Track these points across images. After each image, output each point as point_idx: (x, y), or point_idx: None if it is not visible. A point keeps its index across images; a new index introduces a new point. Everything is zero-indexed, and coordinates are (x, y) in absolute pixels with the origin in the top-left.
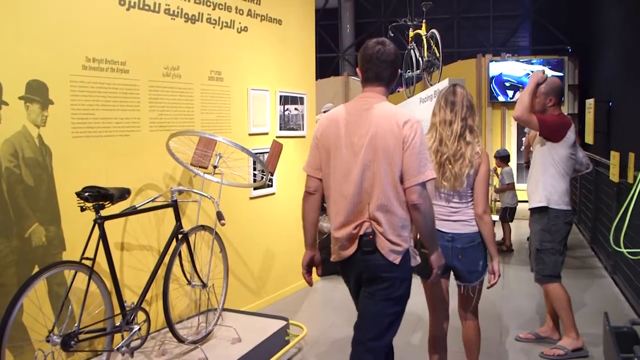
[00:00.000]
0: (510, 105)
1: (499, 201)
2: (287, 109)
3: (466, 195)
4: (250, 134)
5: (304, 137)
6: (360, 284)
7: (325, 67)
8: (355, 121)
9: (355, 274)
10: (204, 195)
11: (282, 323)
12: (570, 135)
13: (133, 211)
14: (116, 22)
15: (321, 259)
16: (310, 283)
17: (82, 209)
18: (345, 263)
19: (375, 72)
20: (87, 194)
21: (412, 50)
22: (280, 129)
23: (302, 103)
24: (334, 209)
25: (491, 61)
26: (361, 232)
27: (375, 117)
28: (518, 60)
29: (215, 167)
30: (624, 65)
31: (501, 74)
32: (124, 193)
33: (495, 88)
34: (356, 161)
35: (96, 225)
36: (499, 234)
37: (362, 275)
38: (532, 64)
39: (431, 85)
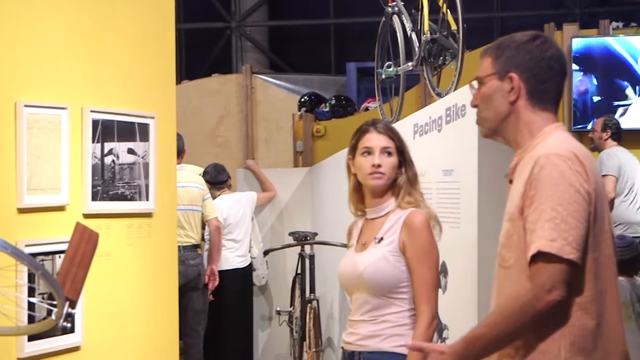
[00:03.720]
0: (633, 136)
1: None
2: (112, 152)
3: None
4: (21, 210)
5: (149, 214)
6: None
7: (204, 51)
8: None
9: None
10: None
11: None
12: None
13: None
14: None
15: None
16: None
17: None
18: None
19: (558, 90)
20: None
21: (395, 17)
22: (95, 198)
23: (144, 138)
24: (609, 313)
25: (575, 37)
26: None
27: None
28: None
29: None
30: None
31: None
32: None
33: (586, 100)
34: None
35: None
36: None
37: None
38: None
39: (439, 94)
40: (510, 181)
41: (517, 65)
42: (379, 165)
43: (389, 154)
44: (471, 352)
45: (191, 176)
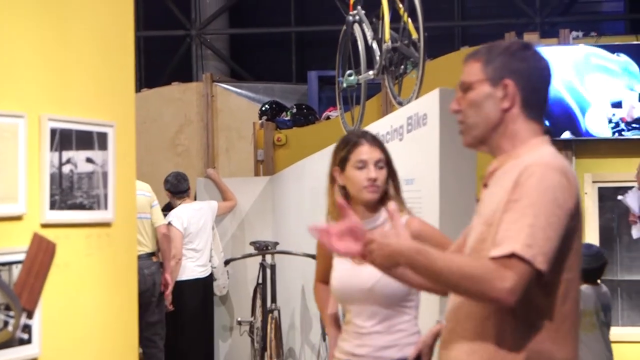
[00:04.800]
0: (591, 146)
1: None
2: (70, 161)
3: None
4: None
5: (108, 224)
6: None
7: (164, 59)
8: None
9: None
10: None
11: None
12: None
13: None
14: None
15: None
16: None
17: None
18: None
19: (546, 100)
20: None
21: (356, 25)
22: (53, 208)
23: (103, 147)
24: (567, 337)
25: (537, 46)
26: None
27: None
28: (599, 46)
29: None
30: None
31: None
32: None
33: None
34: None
35: None
36: None
37: None
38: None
39: (400, 103)
40: (485, 185)
41: (513, 71)
42: (375, 179)
43: (381, 166)
44: (410, 257)
45: (137, 183)
